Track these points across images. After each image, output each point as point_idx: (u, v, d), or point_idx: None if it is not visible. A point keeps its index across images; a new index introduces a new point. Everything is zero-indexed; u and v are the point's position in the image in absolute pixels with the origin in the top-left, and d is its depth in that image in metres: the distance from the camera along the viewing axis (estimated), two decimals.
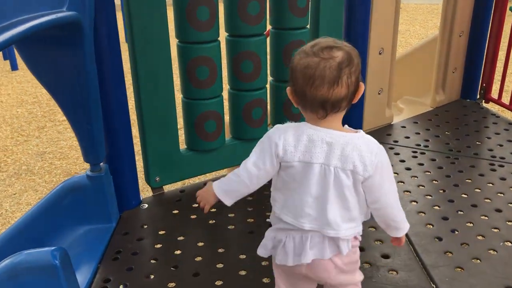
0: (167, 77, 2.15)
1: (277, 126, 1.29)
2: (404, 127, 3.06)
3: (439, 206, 2.18)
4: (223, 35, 2.29)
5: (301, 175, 1.23)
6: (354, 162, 1.20)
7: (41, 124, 4.84)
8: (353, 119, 2.81)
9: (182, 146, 2.38)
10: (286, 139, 1.23)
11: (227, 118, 2.48)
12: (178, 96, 2.26)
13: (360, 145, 1.21)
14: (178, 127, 2.30)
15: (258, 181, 1.30)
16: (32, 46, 1.67)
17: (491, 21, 3.22)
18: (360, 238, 1.34)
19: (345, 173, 1.21)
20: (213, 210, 2.18)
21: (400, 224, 1.34)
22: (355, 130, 1.27)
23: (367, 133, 1.26)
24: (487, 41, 3.27)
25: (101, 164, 2.06)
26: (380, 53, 2.83)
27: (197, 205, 1.58)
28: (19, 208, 3.84)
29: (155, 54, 2.08)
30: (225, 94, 2.38)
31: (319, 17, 2.46)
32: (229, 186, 1.33)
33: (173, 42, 2.14)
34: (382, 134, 2.95)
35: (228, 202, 1.34)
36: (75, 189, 2.03)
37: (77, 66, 1.73)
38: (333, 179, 1.21)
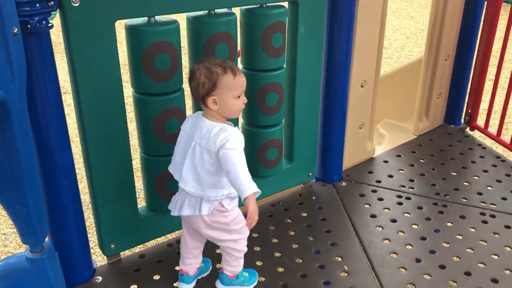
0: (121, 130, 1.84)
1: None
2: (386, 161, 2.83)
3: (430, 275, 1.96)
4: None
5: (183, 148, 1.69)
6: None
7: None
8: (333, 156, 2.56)
9: (140, 203, 2.08)
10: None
11: None
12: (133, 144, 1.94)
13: None
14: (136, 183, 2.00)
15: None
16: None
17: (477, 45, 3.01)
18: (227, 208, 1.68)
19: (202, 148, 1.64)
20: None
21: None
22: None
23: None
24: (473, 65, 3.06)
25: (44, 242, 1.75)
26: (362, 86, 2.57)
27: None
28: None
29: (106, 104, 1.76)
30: None
31: (296, 55, 2.17)
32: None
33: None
34: (363, 171, 2.71)
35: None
36: (11, 274, 1.71)
37: (4, 145, 1.40)
38: (197, 152, 1.64)
